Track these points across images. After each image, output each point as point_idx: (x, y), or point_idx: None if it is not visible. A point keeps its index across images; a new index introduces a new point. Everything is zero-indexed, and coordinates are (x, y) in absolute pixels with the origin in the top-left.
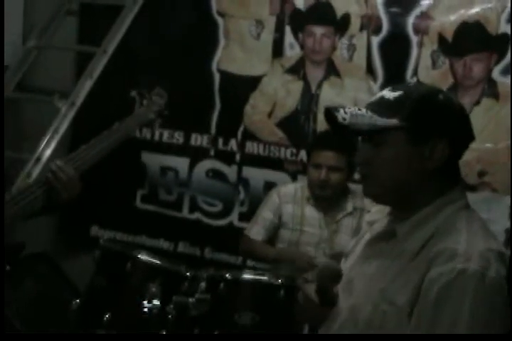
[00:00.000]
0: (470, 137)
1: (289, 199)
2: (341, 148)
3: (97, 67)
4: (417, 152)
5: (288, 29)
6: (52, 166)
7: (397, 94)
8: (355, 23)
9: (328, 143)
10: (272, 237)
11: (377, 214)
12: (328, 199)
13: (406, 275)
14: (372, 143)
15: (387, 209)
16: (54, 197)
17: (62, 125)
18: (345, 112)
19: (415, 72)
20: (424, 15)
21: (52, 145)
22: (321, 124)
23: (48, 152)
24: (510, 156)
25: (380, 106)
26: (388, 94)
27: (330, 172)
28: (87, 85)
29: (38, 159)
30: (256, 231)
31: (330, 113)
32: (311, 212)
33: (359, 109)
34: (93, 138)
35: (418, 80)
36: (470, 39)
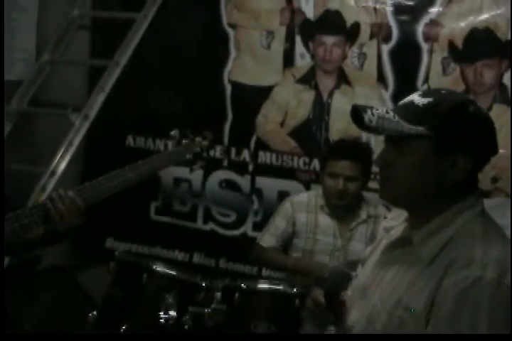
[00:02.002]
0: (494, 151)
1: (302, 208)
2: (357, 158)
3: (110, 80)
4: (440, 163)
5: (298, 39)
6: (53, 194)
7: (426, 101)
8: (365, 32)
9: (344, 152)
10: (286, 246)
11: (393, 220)
12: (342, 208)
13: (422, 281)
14: (395, 146)
15: (403, 215)
16: (53, 226)
17: (76, 138)
18: (373, 114)
19: (426, 79)
20: (434, 23)
21: (67, 158)
22: (333, 133)
23: (63, 165)
24: None
25: (408, 112)
26: (418, 99)
27: (346, 182)
28: (99, 98)
29: (53, 173)
30: (268, 239)
31: (357, 113)
32: (324, 220)
33: (387, 112)
34: (106, 150)
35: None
36: (480, 45)
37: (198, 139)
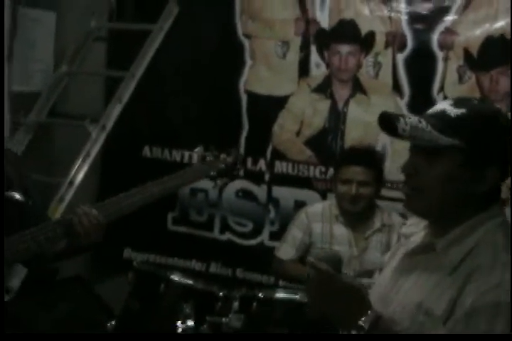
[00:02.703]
0: None
1: (317, 218)
2: (369, 164)
3: (126, 91)
4: (470, 174)
5: (313, 48)
6: (78, 210)
7: (459, 111)
8: (380, 41)
9: (356, 158)
10: (303, 257)
11: (413, 227)
12: (356, 216)
13: (443, 288)
14: (425, 155)
15: (423, 222)
16: (75, 240)
17: (94, 149)
18: (406, 123)
19: (442, 88)
20: (449, 31)
21: (84, 169)
22: (349, 142)
23: (80, 176)
24: None
25: (441, 122)
26: (450, 109)
27: (359, 187)
28: (116, 109)
29: (71, 183)
30: (285, 250)
31: (389, 121)
32: (339, 230)
33: (419, 121)
34: (123, 160)
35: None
36: (495, 53)
37: (222, 156)
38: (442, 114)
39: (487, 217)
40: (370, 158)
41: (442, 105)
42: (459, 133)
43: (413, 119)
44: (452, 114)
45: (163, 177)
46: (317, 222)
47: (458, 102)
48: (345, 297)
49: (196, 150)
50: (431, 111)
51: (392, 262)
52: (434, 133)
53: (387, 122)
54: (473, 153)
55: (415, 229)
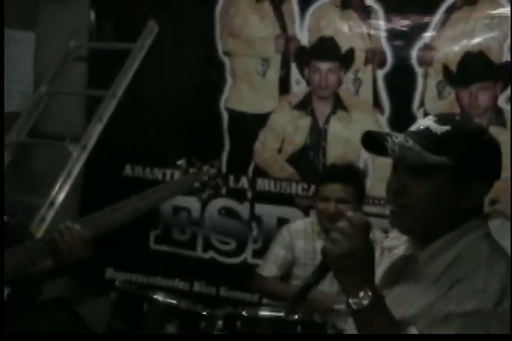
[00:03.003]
0: (499, 175)
1: (299, 235)
2: (348, 181)
3: (107, 110)
4: (458, 190)
5: (294, 66)
6: (61, 226)
7: (444, 129)
8: (359, 58)
9: (334, 175)
10: (286, 275)
11: (396, 240)
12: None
13: (426, 299)
14: (411, 173)
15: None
16: (60, 258)
17: (74, 169)
18: (394, 143)
19: (422, 104)
20: (428, 47)
21: (65, 188)
22: (331, 159)
23: (61, 196)
24: None
25: (428, 140)
26: (434, 126)
27: (338, 205)
28: (97, 128)
29: (52, 203)
30: (268, 268)
31: (375, 140)
32: (319, 244)
33: (406, 140)
34: (104, 180)
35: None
36: (474, 68)
37: (205, 167)
38: (427, 131)
39: (470, 229)
40: (349, 175)
41: (425, 122)
42: (446, 151)
43: (400, 138)
44: (438, 132)
45: (148, 191)
46: (299, 238)
47: (441, 119)
48: (363, 257)
49: (179, 162)
50: (414, 128)
51: (376, 276)
52: (423, 152)
53: (373, 141)
54: (460, 170)
55: (397, 242)
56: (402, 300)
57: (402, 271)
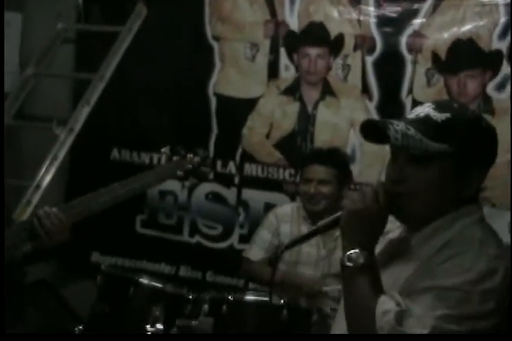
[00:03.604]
0: (494, 162)
1: (286, 219)
2: (330, 163)
3: (94, 93)
4: (458, 179)
5: (283, 51)
6: (39, 212)
7: (444, 116)
8: (348, 43)
9: (317, 157)
10: (272, 258)
11: (390, 223)
12: (322, 216)
13: (418, 277)
14: (412, 162)
15: None
16: (38, 242)
17: (61, 151)
18: (396, 131)
19: (410, 90)
20: (417, 34)
21: (52, 171)
22: (318, 144)
23: (48, 179)
24: (509, 171)
25: (428, 128)
26: (434, 114)
27: (319, 186)
28: (84, 111)
29: (38, 186)
30: (255, 252)
31: (376, 128)
32: (307, 230)
33: (407, 128)
34: (91, 163)
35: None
36: (463, 56)
37: (189, 156)
38: (427, 118)
39: (464, 214)
40: (331, 158)
41: (424, 109)
42: (447, 139)
43: (401, 126)
44: (438, 119)
45: (130, 178)
46: (286, 222)
47: (440, 106)
48: (372, 220)
49: (163, 150)
50: (412, 116)
51: None
52: (425, 141)
53: (371, 129)
54: (460, 157)
55: (392, 226)
56: (394, 280)
57: (395, 253)
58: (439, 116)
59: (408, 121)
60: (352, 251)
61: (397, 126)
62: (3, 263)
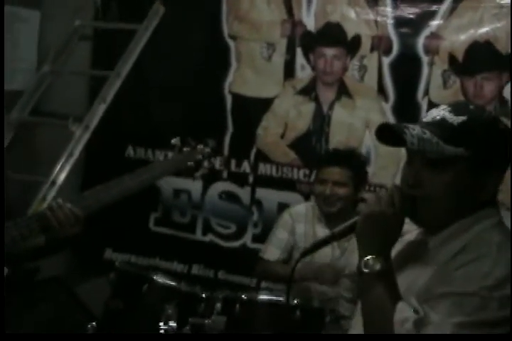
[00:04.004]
0: (509, 164)
1: (300, 219)
2: (346, 164)
3: (111, 90)
4: (475, 182)
5: (299, 51)
6: (53, 203)
7: (460, 119)
8: (365, 44)
9: (333, 159)
10: (288, 258)
11: (408, 225)
12: (337, 217)
13: (434, 285)
14: (428, 165)
15: None
16: (51, 235)
17: (77, 148)
18: (412, 135)
19: (426, 92)
20: (435, 36)
21: (67, 168)
22: (333, 145)
23: (63, 175)
24: None
25: (444, 131)
26: (450, 117)
27: (335, 187)
28: (100, 109)
29: (53, 182)
30: (271, 252)
31: (392, 132)
32: (321, 230)
33: (423, 132)
34: (106, 160)
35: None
36: (480, 58)
37: (199, 147)
38: (443, 121)
39: (482, 217)
40: (347, 159)
41: (440, 112)
42: (463, 142)
43: (417, 131)
44: (454, 123)
45: (140, 169)
46: (300, 222)
47: (456, 109)
48: (388, 225)
49: (173, 141)
50: (428, 119)
51: None
52: (441, 144)
53: (389, 133)
54: (477, 160)
55: (409, 228)
56: (409, 284)
57: (411, 256)
58: (455, 119)
59: (424, 125)
60: (368, 257)
61: (413, 131)
62: (3, 262)
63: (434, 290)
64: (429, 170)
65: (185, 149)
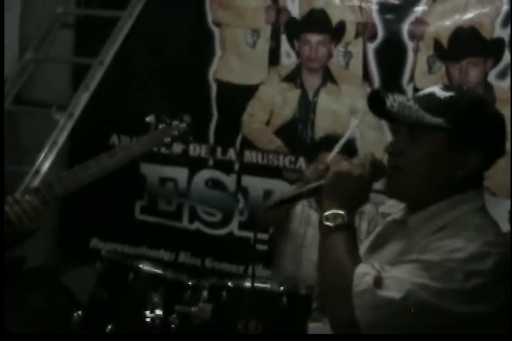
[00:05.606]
0: (503, 152)
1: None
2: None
3: (94, 78)
4: (452, 157)
5: (284, 37)
6: (9, 199)
7: (448, 94)
8: (350, 31)
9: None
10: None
11: (392, 207)
12: None
13: (406, 254)
14: (410, 135)
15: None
16: (11, 229)
17: (61, 137)
18: (395, 100)
19: (412, 78)
20: (419, 21)
21: (51, 157)
22: (319, 132)
23: (47, 164)
24: (510, 160)
25: (429, 103)
26: (439, 92)
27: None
28: (84, 97)
29: (37, 171)
30: (274, 197)
31: (377, 96)
32: (313, 214)
33: (408, 100)
34: (90, 149)
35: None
36: (465, 44)
37: (175, 123)
38: (431, 96)
39: (464, 200)
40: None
41: (431, 88)
42: (446, 114)
43: (402, 98)
44: (441, 96)
45: (117, 148)
46: (297, 203)
47: (447, 87)
48: (359, 187)
49: (148, 119)
50: (420, 93)
51: (367, 240)
52: (421, 112)
53: (376, 99)
54: (458, 135)
55: (393, 209)
56: (388, 259)
57: (392, 234)
58: (443, 94)
59: (413, 97)
60: (332, 211)
61: (398, 98)
62: (3, 262)
63: (404, 257)
64: (411, 141)
65: (160, 126)
